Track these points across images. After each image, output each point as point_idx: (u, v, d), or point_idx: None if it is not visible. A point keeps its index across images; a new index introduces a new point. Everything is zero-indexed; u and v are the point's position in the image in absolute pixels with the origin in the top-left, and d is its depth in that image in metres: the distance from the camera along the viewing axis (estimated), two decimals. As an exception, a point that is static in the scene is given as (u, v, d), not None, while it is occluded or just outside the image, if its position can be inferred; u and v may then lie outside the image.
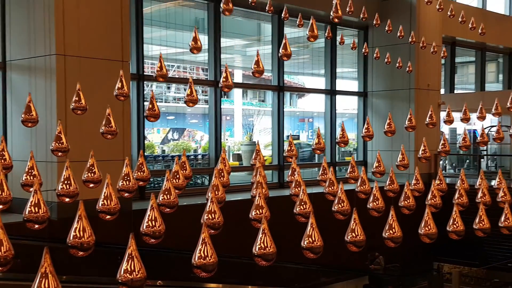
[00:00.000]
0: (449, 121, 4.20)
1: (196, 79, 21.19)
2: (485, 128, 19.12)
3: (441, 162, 17.06)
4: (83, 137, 8.99)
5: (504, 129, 18.07)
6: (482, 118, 3.89)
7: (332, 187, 3.50)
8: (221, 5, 5.16)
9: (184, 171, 2.93)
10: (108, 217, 2.52)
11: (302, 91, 23.82)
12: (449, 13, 7.76)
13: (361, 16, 8.11)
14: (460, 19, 7.74)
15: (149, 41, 13.39)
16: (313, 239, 2.26)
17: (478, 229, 2.72)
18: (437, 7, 7.63)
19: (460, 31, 17.05)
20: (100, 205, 2.47)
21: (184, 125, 26.55)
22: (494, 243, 13.02)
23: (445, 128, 19.60)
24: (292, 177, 3.62)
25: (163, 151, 21.02)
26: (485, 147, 19.71)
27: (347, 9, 7.90)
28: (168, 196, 2.56)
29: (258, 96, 28.44)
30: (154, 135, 23.22)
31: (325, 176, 3.58)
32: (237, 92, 25.71)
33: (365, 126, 3.75)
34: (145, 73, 12.00)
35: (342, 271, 11.93)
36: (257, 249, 2.18)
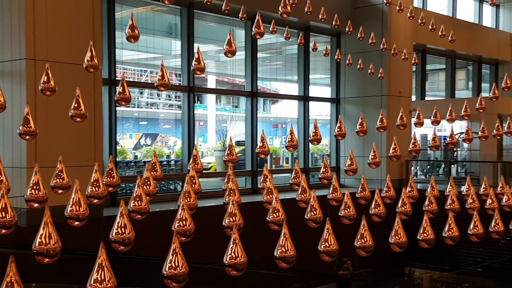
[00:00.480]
0: (419, 123, 4.24)
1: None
2: (455, 134, 19.39)
3: (412, 168, 17.27)
4: (54, 142, 8.86)
5: (474, 135, 18.38)
6: (451, 120, 3.95)
7: (305, 195, 3.49)
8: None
9: (154, 172, 2.87)
10: (76, 223, 2.48)
11: (275, 97, 23.89)
12: (419, 21, 7.88)
13: (333, 23, 8.18)
14: (430, 27, 7.86)
15: (121, 46, 13.28)
16: (286, 248, 2.25)
17: (447, 237, 2.75)
18: (408, 15, 7.74)
19: (430, 39, 17.32)
20: (68, 211, 2.42)
21: (157, 130, 26.37)
22: (464, 248, 13.22)
23: (416, 134, 19.85)
24: (264, 184, 3.59)
25: (136, 156, 20.83)
26: (455, 153, 20.03)
27: (320, 17, 7.96)
28: (139, 202, 2.52)
29: (232, 102, 28.42)
30: (127, 140, 23.00)
31: (297, 179, 3.55)
32: (210, 98, 25.66)
33: (338, 125, 3.74)
34: (117, 78, 11.89)
35: (310, 276, 11.95)
36: (228, 259, 2.17)
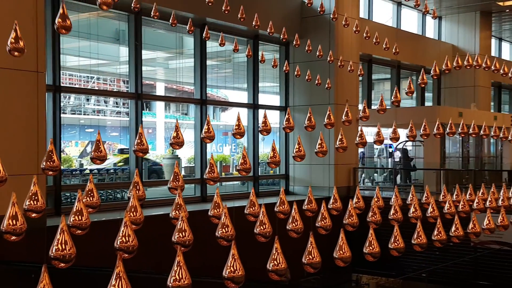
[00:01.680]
0: (365, 117, 4.29)
1: (117, 91, 20.75)
2: (400, 143, 19.77)
3: (359, 174, 17.58)
4: (-7, 151, 8.55)
5: (418, 144, 18.90)
6: (395, 139, 4.02)
7: (254, 208, 3.46)
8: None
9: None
10: (13, 238, 2.37)
11: (224, 104, 23.87)
12: (365, 34, 8.06)
13: (281, 37, 8.27)
14: (374, 40, 8.05)
15: (68, 51, 12.98)
16: (235, 268, 2.23)
17: (393, 249, 2.79)
18: (354, 29, 7.92)
19: (376, 49, 17.70)
20: (5, 225, 2.32)
21: (104, 138, 25.86)
22: (409, 254, 13.52)
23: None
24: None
25: (81, 164, 20.37)
26: (412, 161, 20.51)
27: (268, 30, 8.04)
28: (79, 217, 2.44)
29: (181, 109, 28.22)
30: (72, 148, 22.47)
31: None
32: (159, 105, 25.40)
33: (286, 117, 3.72)
34: (62, 85, 11.61)
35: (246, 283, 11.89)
36: (171, 281, 2.13)
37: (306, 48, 8.14)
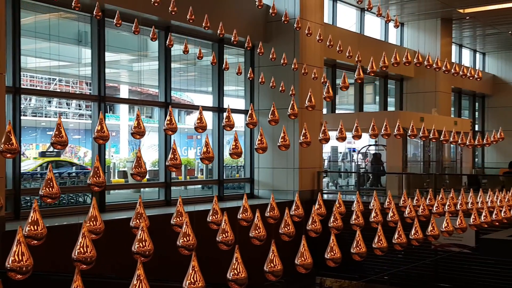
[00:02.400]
0: (325, 139, 4.31)
1: (79, 93, 20.43)
2: (362, 147, 20.06)
3: (324, 180, 17.71)
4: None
5: (381, 148, 19.17)
6: (357, 137, 4.07)
7: (216, 216, 3.44)
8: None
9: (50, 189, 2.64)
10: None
11: (189, 108, 23.75)
12: (328, 43, 8.16)
13: (245, 45, 8.29)
14: (338, 48, 8.16)
15: (29, 53, 12.72)
16: (195, 279, 2.22)
17: (355, 253, 2.82)
18: (317, 38, 8.01)
19: (340, 54, 17.90)
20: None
21: (66, 140, 25.39)
22: (372, 257, 13.68)
23: (326, 147, 20.43)
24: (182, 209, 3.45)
25: (42, 168, 19.97)
26: (364, 165, 20.78)
27: (232, 39, 8.05)
28: (35, 227, 2.38)
29: (145, 112, 27.98)
30: (33, 151, 22.01)
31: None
32: (123, 108, 25.14)
33: (259, 138, 3.68)
34: (22, 86, 11.37)
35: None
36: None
37: (270, 56, 8.19)
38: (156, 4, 6.15)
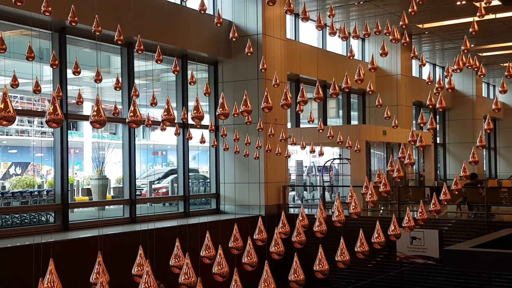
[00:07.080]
0: (287, 104, 4.39)
1: (41, 111, 20.09)
2: (327, 161, 20.21)
3: (290, 193, 17.78)
4: None
5: (345, 161, 19.38)
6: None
7: (178, 259, 3.45)
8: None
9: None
10: None
11: (154, 124, 23.59)
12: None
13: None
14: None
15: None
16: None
17: (317, 271, 2.86)
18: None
19: (303, 69, 18.14)
20: None
21: (28, 159, 24.98)
22: (339, 270, 13.78)
23: (292, 161, 20.56)
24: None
25: (4, 187, 19.55)
26: (329, 179, 20.96)
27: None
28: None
29: (109, 129, 27.66)
30: (-7, 170, 21.53)
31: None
32: (86, 125, 24.77)
33: (220, 101, 3.73)
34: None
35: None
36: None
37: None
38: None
